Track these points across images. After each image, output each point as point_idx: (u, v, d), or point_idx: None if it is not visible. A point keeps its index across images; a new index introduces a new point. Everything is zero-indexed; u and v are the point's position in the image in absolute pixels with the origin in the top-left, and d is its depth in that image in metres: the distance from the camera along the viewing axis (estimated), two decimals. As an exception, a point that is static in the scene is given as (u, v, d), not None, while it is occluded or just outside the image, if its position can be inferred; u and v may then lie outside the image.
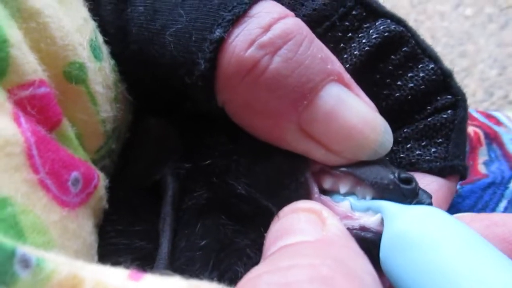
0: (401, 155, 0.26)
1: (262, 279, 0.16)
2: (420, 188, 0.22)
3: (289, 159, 0.22)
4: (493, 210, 0.38)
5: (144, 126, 0.25)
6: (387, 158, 0.25)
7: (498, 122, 0.43)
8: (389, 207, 0.21)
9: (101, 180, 0.22)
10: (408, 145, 0.26)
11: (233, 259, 0.21)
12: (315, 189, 0.22)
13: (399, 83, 0.25)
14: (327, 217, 0.20)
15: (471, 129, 0.41)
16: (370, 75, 0.25)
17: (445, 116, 0.25)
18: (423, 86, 0.25)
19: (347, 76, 0.22)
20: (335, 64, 0.22)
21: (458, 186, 0.38)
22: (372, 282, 0.17)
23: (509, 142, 0.41)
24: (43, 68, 0.20)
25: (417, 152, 0.25)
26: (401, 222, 0.20)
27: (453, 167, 0.25)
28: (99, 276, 0.16)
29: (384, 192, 0.22)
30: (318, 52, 0.21)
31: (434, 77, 0.25)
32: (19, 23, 0.19)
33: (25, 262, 0.15)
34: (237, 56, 0.21)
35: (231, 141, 0.23)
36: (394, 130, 0.25)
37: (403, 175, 0.22)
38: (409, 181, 0.22)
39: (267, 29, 0.21)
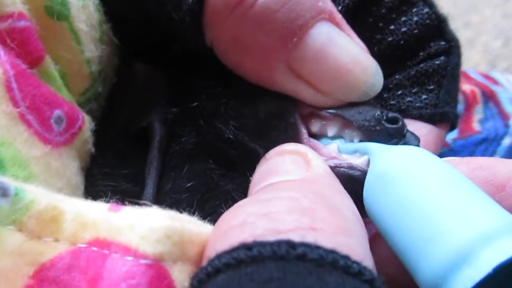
0: (392, 102, 0.25)
1: (242, 209, 0.17)
2: (408, 131, 0.22)
3: (278, 100, 0.22)
4: None
5: (131, 71, 0.25)
6: (378, 106, 0.24)
7: (495, 82, 0.43)
8: (375, 147, 0.21)
9: (87, 123, 0.22)
10: (399, 92, 0.25)
11: (218, 201, 0.21)
12: (304, 131, 0.22)
13: (392, 27, 0.25)
14: (312, 159, 0.20)
15: (468, 88, 0.40)
16: (363, 18, 0.24)
17: (437, 62, 0.25)
18: (416, 31, 0.24)
19: (338, 16, 0.22)
20: (326, 2, 0.21)
21: (450, 141, 0.38)
22: (353, 218, 0.17)
23: (506, 101, 0.41)
24: (22, 1, 0.19)
25: (408, 98, 0.25)
26: (384, 160, 0.20)
27: (443, 114, 0.25)
28: (79, 208, 0.16)
29: (371, 134, 0.21)
30: None
31: (428, 21, 0.24)
32: None
33: (3, 191, 0.15)
34: None
35: (219, 84, 0.23)
36: (385, 77, 0.25)
37: (390, 114, 0.22)
38: (396, 120, 0.22)
39: None
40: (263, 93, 0.22)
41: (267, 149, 0.21)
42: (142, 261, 0.15)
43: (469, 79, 0.43)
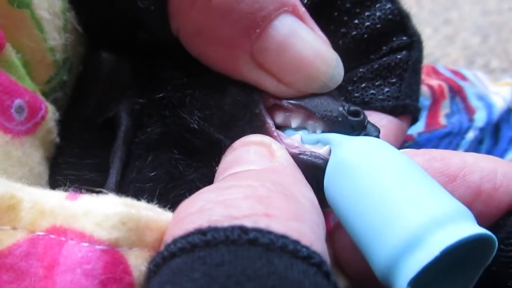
0: (356, 95, 0.26)
1: (201, 196, 0.17)
2: (368, 122, 0.22)
3: (243, 92, 0.22)
4: None
5: (97, 60, 0.25)
6: (342, 98, 0.25)
7: (463, 78, 0.44)
8: (336, 138, 0.21)
9: (50, 112, 0.22)
10: (363, 85, 0.26)
11: (182, 190, 0.22)
12: (270, 121, 0.22)
13: (356, 21, 0.25)
14: (276, 150, 0.20)
15: (436, 83, 0.41)
16: (328, 12, 0.25)
17: (399, 56, 0.26)
18: (379, 25, 0.25)
19: (302, 9, 0.22)
20: None
21: (415, 135, 0.39)
22: (309, 206, 0.17)
23: (472, 96, 0.42)
24: None
25: (371, 91, 0.26)
26: (344, 150, 0.20)
27: (405, 106, 0.26)
28: (37, 197, 0.17)
29: (333, 125, 0.22)
30: None
31: (390, 16, 0.25)
32: None
33: None
34: None
35: (185, 75, 0.23)
36: (350, 70, 0.25)
37: (352, 108, 0.22)
38: (357, 113, 0.22)
39: None
40: (228, 85, 0.23)
41: (233, 139, 0.21)
42: (97, 247, 0.16)
43: (438, 74, 0.43)
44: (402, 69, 0.26)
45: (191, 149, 0.23)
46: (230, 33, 0.21)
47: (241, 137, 0.22)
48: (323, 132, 0.22)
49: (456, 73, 0.44)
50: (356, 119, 0.22)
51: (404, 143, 0.39)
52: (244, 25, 0.21)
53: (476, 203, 0.20)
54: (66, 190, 0.17)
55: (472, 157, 0.22)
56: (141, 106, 0.23)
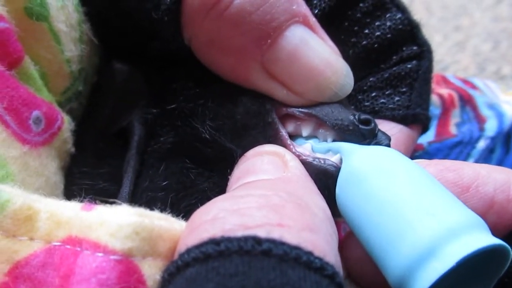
0: (366, 104, 0.26)
1: (215, 205, 0.17)
2: (379, 130, 0.22)
3: (255, 101, 0.23)
4: None
5: (111, 71, 0.25)
6: (352, 107, 0.25)
7: (474, 87, 0.44)
8: (347, 147, 0.21)
9: (66, 123, 0.23)
10: (373, 94, 0.26)
11: (194, 200, 0.22)
12: (283, 130, 0.22)
13: (366, 31, 0.25)
14: (289, 160, 0.20)
15: (446, 92, 0.41)
16: (338, 22, 0.25)
17: (409, 66, 0.26)
18: (389, 35, 0.25)
19: (312, 19, 0.23)
20: (301, 6, 0.22)
21: (426, 144, 0.39)
22: (322, 216, 0.17)
23: (483, 105, 0.42)
24: (1, 3, 0.20)
25: (381, 100, 0.26)
26: (356, 159, 0.20)
27: (415, 115, 0.26)
28: (53, 208, 0.17)
29: (344, 133, 0.22)
30: None
31: (400, 26, 0.25)
32: None
33: None
34: None
35: (197, 85, 0.24)
36: (360, 79, 0.25)
37: (362, 116, 0.22)
38: (368, 122, 0.22)
39: None
40: (240, 94, 0.23)
41: (245, 149, 0.21)
42: (112, 257, 0.16)
43: (448, 83, 0.43)
44: (412, 79, 0.26)
45: (203, 159, 0.23)
46: (242, 43, 0.22)
47: (253, 146, 0.22)
48: (334, 141, 0.23)
49: (466, 82, 0.44)
50: (367, 127, 0.22)
51: (414, 152, 0.39)
52: (255, 36, 0.21)
53: (490, 214, 0.20)
54: (81, 201, 0.18)
55: (485, 168, 0.21)
56: (154, 116, 0.24)
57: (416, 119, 0.26)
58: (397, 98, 0.26)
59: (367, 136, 0.22)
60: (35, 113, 0.21)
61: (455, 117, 0.41)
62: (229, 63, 0.23)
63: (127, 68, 0.25)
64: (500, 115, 0.43)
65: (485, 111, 0.44)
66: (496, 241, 0.17)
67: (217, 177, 0.23)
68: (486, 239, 0.17)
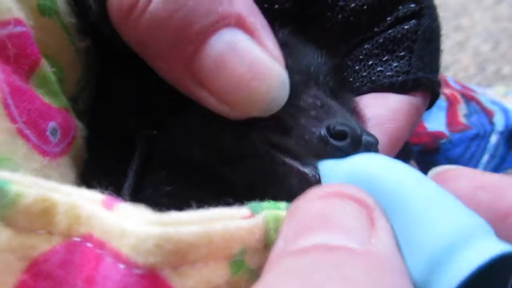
0: (363, 74, 0.24)
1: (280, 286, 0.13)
2: (363, 132, 0.20)
3: (240, 129, 0.21)
4: (478, 161, 0.41)
5: (111, 79, 0.25)
6: (351, 79, 0.24)
7: (473, 91, 0.45)
8: (324, 168, 0.20)
9: (79, 130, 0.23)
10: (370, 62, 0.24)
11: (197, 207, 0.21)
12: (279, 154, 0.21)
13: None
14: (378, 219, 0.16)
15: (448, 91, 0.42)
16: None
17: (406, 27, 0.24)
18: None
19: (250, 20, 0.20)
20: (233, 5, 0.20)
21: (448, 133, 0.39)
22: None
23: (486, 101, 0.43)
24: (19, 6, 0.20)
25: (379, 68, 0.24)
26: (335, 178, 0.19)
27: (416, 80, 0.24)
28: (73, 199, 0.16)
29: (321, 157, 0.20)
30: None
31: None
32: None
33: None
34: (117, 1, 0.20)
35: (177, 100, 0.22)
36: (354, 47, 0.24)
37: (336, 128, 0.19)
38: (343, 135, 0.19)
39: None
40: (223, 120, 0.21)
41: (240, 174, 0.20)
42: (135, 271, 0.15)
43: (449, 86, 0.44)
44: (411, 40, 0.24)
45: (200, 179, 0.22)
46: (165, 49, 0.20)
47: (250, 172, 0.20)
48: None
49: (465, 87, 0.45)
50: (343, 143, 0.19)
51: (439, 139, 0.39)
52: (175, 42, 0.20)
53: None
54: (102, 192, 0.17)
55: None
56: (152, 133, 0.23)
57: (418, 84, 0.24)
58: (395, 64, 0.24)
59: (347, 150, 0.19)
60: (51, 124, 0.21)
61: (462, 110, 0.41)
62: (165, 69, 0.21)
63: (125, 75, 0.24)
64: (505, 110, 0.44)
65: (490, 106, 0.44)
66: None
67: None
68: (501, 245, 0.16)
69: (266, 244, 0.17)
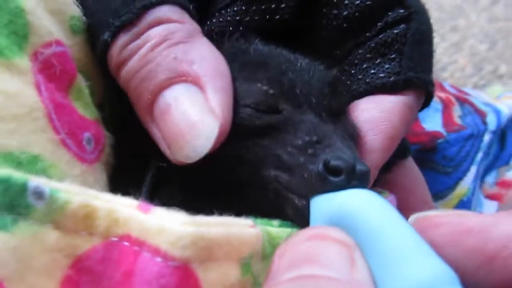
0: (359, 77, 0.26)
1: None
2: (357, 163, 0.21)
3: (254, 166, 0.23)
4: (472, 159, 0.43)
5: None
6: (348, 82, 0.26)
7: (467, 94, 0.47)
8: (315, 201, 0.21)
9: (107, 139, 0.25)
10: (364, 66, 0.26)
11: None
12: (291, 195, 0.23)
13: (346, 1, 0.26)
14: (357, 258, 0.17)
15: (443, 94, 0.44)
16: None
17: (396, 31, 0.26)
18: (369, 2, 0.26)
19: (205, 79, 0.23)
20: (194, 65, 0.23)
21: (445, 133, 0.41)
22: None
23: (479, 103, 0.45)
24: (58, 28, 0.23)
25: (372, 71, 0.26)
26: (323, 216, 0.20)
27: (407, 80, 0.25)
28: (111, 205, 0.18)
29: (317, 192, 0.21)
30: (176, 53, 0.23)
31: None
32: None
33: (39, 194, 0.17)
34: (113, 55, 0.24)
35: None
36: (349, 51, 0.26)
37: (331, 163, 0.21)
38: (338, 171, 0.21)
39: (140, 33, 0.23)
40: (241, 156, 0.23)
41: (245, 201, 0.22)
42: (171, 263, 0.17)
43: (445, 90, 0.46)
44: (400, 43, 0.26)
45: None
46: (137, 94, 0.24)
47: (257, 201, 0.22)
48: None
49: (460, 91, 0.47)
50: (336, 179, 0.21)
51: (436, 139, 0.41)
52: (139, 91, 0.23)
53: None
54: (136, 198, 0.19)
55: None
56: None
57: (409, 83, 0.26)
58: (387, 66, 0.26)
59: (341, 186, 0.21)
60: (86, 134, 0.23)
61: (456, 111, 0.44)
62: (136, 109, 0.24)
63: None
64: (497, 111, 0.47)
65: (482, 107, 0.47)
66: None
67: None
68: None
69: (263, 254, 0.20)
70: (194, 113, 0.23)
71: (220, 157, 0.23)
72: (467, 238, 0.17)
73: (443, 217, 0.18)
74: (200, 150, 0.22)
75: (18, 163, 0.19)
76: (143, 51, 0.23)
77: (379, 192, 0.26)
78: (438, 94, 0.45)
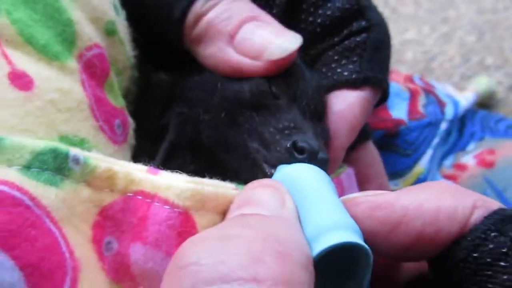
0: (329, 74, 0.32)
1: (202, 245, 0.17)
2: (320, 151, 0.26)
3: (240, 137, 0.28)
4: (429, 143, 0.49)
5: (156, 80, 0.33)
6: (322, 77, 0.31)
7: (433, 87, 0.53)
8: (279, 168, 0.26)
9: (131, 124, 0.30)
10: (333, 65, 0.32)
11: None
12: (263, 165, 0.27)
13: (320, 11, 0.32)
14: (287, 199, 0.21)
15: (412, 86, 0.50)
16: (298, 4, 0.32)
17: (358, 39, 0.31)
18: (338, 14, 0.32)
19: (263, 17, 0.30)
20: (254, 11, 0.30)
21: (407, 120, 0.48)
22: (304, 265, 0.18)
23: (442, 94, 0.51)
24: (97, 33, 0.26)
25: (338, 70, 0.32)
26: (279, 175, 0.25)
27: (365, 78, 0.31)
28: (128, 169, 0.22)
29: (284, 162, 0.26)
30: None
31: (347, 6, 0.32)
32: (76, 2, 0.25)
33: (76, 160, 0.20)
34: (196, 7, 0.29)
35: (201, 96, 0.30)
36: (321, 52, 0.32)
37: (298, 145, 0.26)
38: (302, 150, 0.26)
39: None
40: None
41: (232, 162, 0.27)
42: (176, 210, 0.21)
43: (413, 83, 0.53)
44: (361, 49, 0.31)
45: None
46: (217, 31, 0.29)
47: (238, 164, 0.27)
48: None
49: (427, 84, 0.54)
50: (300, 156, 0.25)
51: (399, 125, 0.48)
52: (224, 25, 0.29)
53: (418, 246, 0.20)
54: (145, 164, 0.22)
55: (417, 199, 0.21)
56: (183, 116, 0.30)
57: (367, 81, 0.31)
58: (350, 66, 0.31)
59: (303, 162, 0.25)
60: (117, 121, 0.27)
61: (421, 100, 0.50)
62: (211, 53, 0.30)
63: (167, 77, 0.33)
64: (455, 103, 0.52)
65: (444, 98, 0.53)
66: (359, 240, 0.20)
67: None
68: (352, 237, 0.20)
69: None
70: (265, 34, 0.29)
71: (224, 123, 0.28)
72: (378, 212, 0.21)
73: (363, 197, 0.22)
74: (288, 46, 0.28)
75: (71, 144, 0.22)
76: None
77: (340, 166, 0.33)
78: (408, 85, 0.52)
